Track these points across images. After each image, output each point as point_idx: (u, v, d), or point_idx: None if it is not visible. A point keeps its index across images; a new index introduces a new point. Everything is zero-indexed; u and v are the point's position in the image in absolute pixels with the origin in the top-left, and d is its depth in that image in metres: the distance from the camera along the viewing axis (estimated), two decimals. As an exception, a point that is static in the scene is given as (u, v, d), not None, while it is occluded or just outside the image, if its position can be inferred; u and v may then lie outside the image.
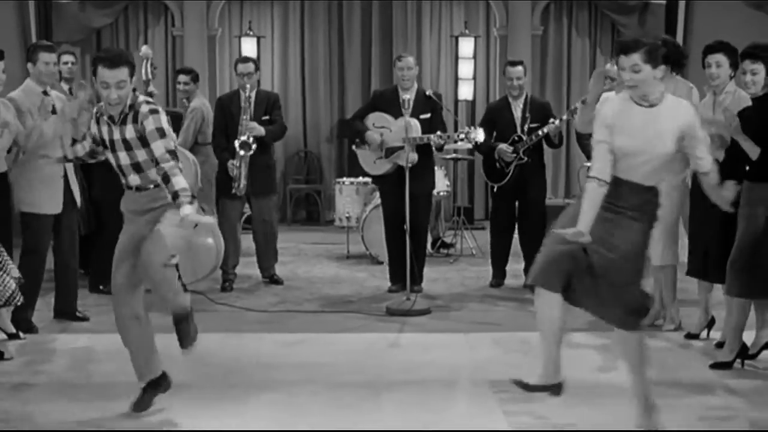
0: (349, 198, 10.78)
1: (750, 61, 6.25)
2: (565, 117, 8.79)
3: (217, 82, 13.36)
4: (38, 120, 7.01)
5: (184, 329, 5.23)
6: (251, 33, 13.23)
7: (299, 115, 13.65)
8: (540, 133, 8.73)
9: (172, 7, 13.31)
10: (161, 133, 5.04)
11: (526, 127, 8.81)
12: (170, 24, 13.45)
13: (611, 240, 4.75)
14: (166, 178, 4.98)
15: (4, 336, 6.90)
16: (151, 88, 8.55)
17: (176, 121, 9.41)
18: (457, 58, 13.45)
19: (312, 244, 11.73)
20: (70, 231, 7.40)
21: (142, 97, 5.15)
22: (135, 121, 5.07)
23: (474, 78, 13.40)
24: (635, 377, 4.96)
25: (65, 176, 7.23)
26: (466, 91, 13.35)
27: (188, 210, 4.87)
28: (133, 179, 5.18)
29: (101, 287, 8.56)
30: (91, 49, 13.25)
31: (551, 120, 8.75)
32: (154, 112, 5.08)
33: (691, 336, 7.02)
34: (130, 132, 5.08)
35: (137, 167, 5.14)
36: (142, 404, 5.29)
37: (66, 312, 7.53)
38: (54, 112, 7.17)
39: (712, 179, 4.94)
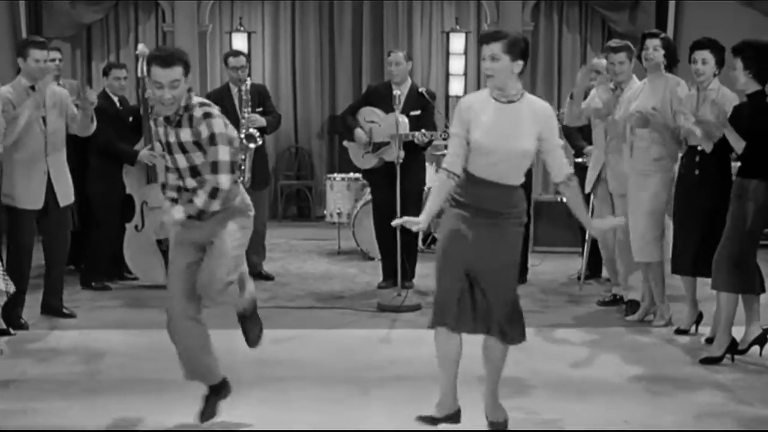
0: (340, 194, 10.79)
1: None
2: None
3: (208, 78, 13.33)
4: (18, 111, 6.97)
5: (249, 326, 5.22)
6: (242, 29, 13.22)
7: (290, 111, 13.63)
8: None
9: (163, 3, 13.27)
10: (214, 139, 4.78)
11: None
12: (161, 20, 13.41)
13: (493, 249, 4.73)
14: (195, 190, 4.88)
15: (-6, 333, 6.91)
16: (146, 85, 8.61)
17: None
18: (448, 54, 13.44)
19: (303, 240, 11.73)
20: (59, 228, 7.38)
21: (196, 99, 4.90)
22: (191, 124, 4.81)
23: (465, 74, 13.39)
24: (492, 379, 5.00)
25: (48, 173, 7.21)
26: (457, 87, 13.35)
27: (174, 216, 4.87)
28: (190, 183, 4.92)
29: (93, 283, 8.57)
30: (81, 45, 13.22)
31: None
32: (208, 116, 4.81)
33: (680, 332, 7.04)
34: (185, 135, 4.83)
35: (194, 171, 4.88)
36: (207, 413, 5.09)
37: (52, 308, 7.52)
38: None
39: (571, 193, 4.85)
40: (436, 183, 4.86)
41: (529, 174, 8.89)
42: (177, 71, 4.73)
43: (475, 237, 4.71)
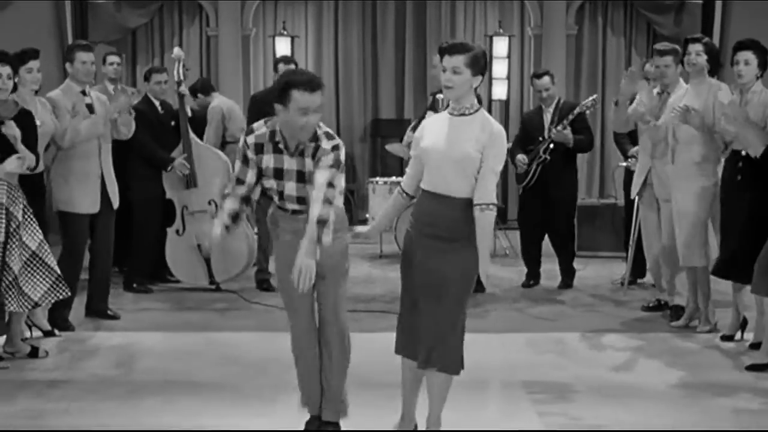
0: (382, 198, 10.76)
1: None
2: (571, 117, 8.71)
3: (251, 81, 13.39)
4: (74, 119, 7.06)
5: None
6: (285, 33, 13.25)
7: (332, 114, 13.65)
8: (554, 131, 8.68)
9: (207, 7, 13.35)
10: (335, 166, 4.58)
11: (554, 130, 8.73)
12: (205, 24, 13.49)
13: (429, 268, 4.68)
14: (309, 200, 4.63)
15: (40, 333, 6.96)
16: (182, 88, 8.67)
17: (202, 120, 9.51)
18: (491, 57, 13.39)
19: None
20: (107, 231, 7.43)
21: (322, 128, 4.64)
22: (314, 156, 4.60)
23: (508, 78, 13.34)
24: (432, 406, 4.92)
25: (102, 176, 7.27)
26: (500, 91, 13.29)
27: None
28: (292, 206, 4.76)
29: (135, 285, 8.62)
30: (126, 49, 13.32)
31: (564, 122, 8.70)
32: (336, 148, 4.60)
33: (725, 338, 6.96)
34: (309, 166, 4.62)
35: (301, 200, 4.71)
36: None
37: (97, 310, 7.57)
38: (92, 111, 7.22)
39: (483, 221, 4.58)
40: (391, 199, 5.04)
41: (574, 179, 8.98)
42: (320, 96, 4.52)
43: (418, 256, 4.71)
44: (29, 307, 6.26)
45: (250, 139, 4.70)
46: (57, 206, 7.17)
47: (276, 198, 4.80)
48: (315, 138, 4.60)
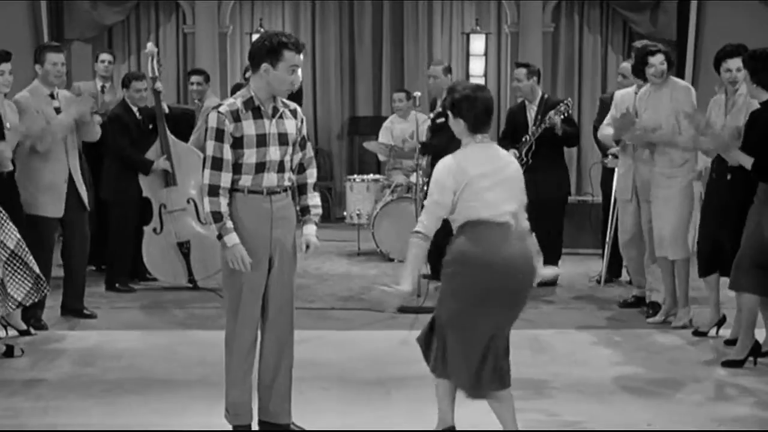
0: (360, 195, 10.77)
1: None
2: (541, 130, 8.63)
3: (228, 79, 13.34)
4: (50, 125, 7.00)
5: None
6: (262, 30, 13.22)
7: (310, 112, 13.63)
8: (531, 135, 8.63)
9: (184, 4, 13.31)
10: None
11: (538, 130, 8.63)
12: (181, 21, 13.45)
13: None
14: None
15: (15, 333, 6.92)
16: (157, 85, 8.61)
17: (189, 118, 9.45)
18: (468, 55, 13.42)
19: (323, 241, 11.60)
20: (80, 231, 7.39)
21: None
22: (294, 116, 4.83)
23: (485, 75, 13.38)
24: None
25: (70, 179, 7.22)
26: (477, 89, 13.30)
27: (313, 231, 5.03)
28: (270, 182, 4.77)
29: (117, 285, 8.58)
30: (102, 47, 13.25)
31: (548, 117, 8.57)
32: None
33: (699, 333, 7.01)
34: (290, 127, 4.79)
35: (282, 167, 4.79)
36: None
37: (73, 309, 7.53)
38: (58, 112, 7.15)
39: (420, 248, 4.59)
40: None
41: (563, 179, 8.92)
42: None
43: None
44: (14, 307, 6.24)
45: (224, 109, 4.66)
46: (24, 209, 7.07)
47: (249, 179, 4.72)
48: (281, 101, 4.80)
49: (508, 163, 4.76)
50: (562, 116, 8.45)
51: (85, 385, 5.87)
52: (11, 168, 6.74)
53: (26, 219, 6.91)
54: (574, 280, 9.19)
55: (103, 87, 9.41)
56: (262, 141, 4.68)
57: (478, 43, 13.32)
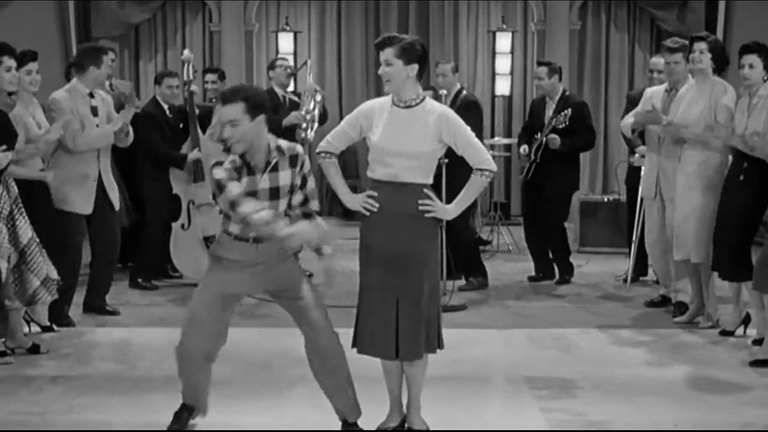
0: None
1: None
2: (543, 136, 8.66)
3: (254, 77, 13.38)
4: (88, 129, 7.06)
5: None
6: (288, 28, 13.25)
7: (336, 110, 13.60)
8: (539, 137, 8.68)
9: (210, 3, 13.35)
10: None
11: (551, 124, 8.63)
12: (208, 20, 13.50)
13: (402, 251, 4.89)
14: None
15: (39, 329, 6.96)
16: (192, 87, 8.72)
17: (209, 115, 9.49)
18: (494, 53, 13.37)
19: (349, 239, 11.67)
20: (107, 230, 7.43)
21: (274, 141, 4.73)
22: (293, 165, 4.72)
23: (511, 73, 13.33)
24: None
25: (99, 178, 7.26)
26: (503, 87, 13.28)
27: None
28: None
29: (140, 281, 8.62)
30: (129, 45, 13.35)
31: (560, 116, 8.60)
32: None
33: (725, 333, 6.96)
34: (283, 179, 4.70)
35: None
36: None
37: (94, 306, 7.56)
38: (95, 114, 7.20)
39: (479, 182, 4.79)
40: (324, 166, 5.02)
41: (571, 176, 8.92)
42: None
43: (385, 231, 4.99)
44: (24, 303, 6.29)
45: (227, 165, 4.62)
46: (55, 204, 7.13)
47: (237, 228, 4.68)
48: (277, 149, 4.68)
49: None
50: (562, 125, 8.54)
51: (111, 382, 5.89)
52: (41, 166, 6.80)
53: (56, 214, 6.95)
54: (600, 279, 9.16)
55: (110, 85, 9.41)
56: (253, 197, 4.61)
57: (504, 42, 13.26)
